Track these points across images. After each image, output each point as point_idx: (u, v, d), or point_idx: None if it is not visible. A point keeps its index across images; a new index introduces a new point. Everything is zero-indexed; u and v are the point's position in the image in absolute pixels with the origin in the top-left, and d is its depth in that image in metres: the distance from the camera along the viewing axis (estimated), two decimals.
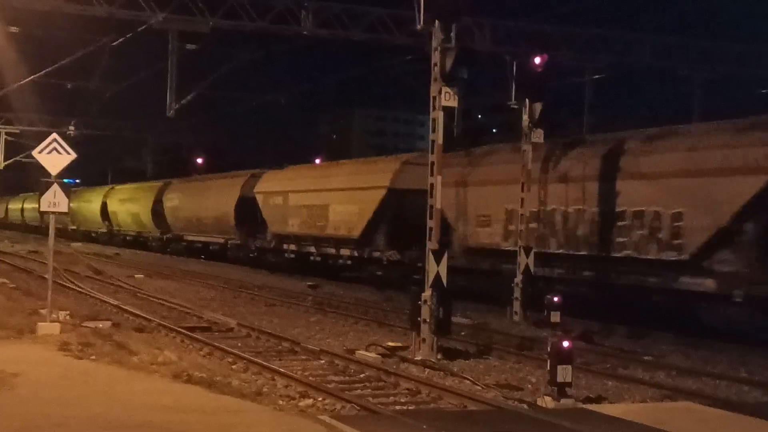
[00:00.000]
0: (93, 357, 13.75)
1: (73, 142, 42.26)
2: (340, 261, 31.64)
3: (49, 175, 16.69)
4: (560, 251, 22.14)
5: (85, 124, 61.21)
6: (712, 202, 17.84)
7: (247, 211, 38.46)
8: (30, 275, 31.03)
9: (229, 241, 40.71)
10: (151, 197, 51.46)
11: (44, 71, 37.99)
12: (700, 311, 18.77)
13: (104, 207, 59.23)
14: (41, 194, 16.66)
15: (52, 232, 17.26)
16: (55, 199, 16.57)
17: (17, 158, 67.73)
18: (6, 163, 67.87)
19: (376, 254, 29.15)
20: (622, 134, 21.65)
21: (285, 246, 35.14)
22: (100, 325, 17.87)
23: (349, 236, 30.33)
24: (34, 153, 16.98)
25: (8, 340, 15.21)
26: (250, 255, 38.45)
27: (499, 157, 25.32)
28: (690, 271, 18.38)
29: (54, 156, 16.70)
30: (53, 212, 16.82)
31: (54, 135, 17.08)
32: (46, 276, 17.94)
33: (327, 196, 32.20)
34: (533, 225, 22.37)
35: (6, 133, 64.33)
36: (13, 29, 30.60)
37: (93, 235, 60.72)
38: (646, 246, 19.31)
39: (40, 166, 17.09)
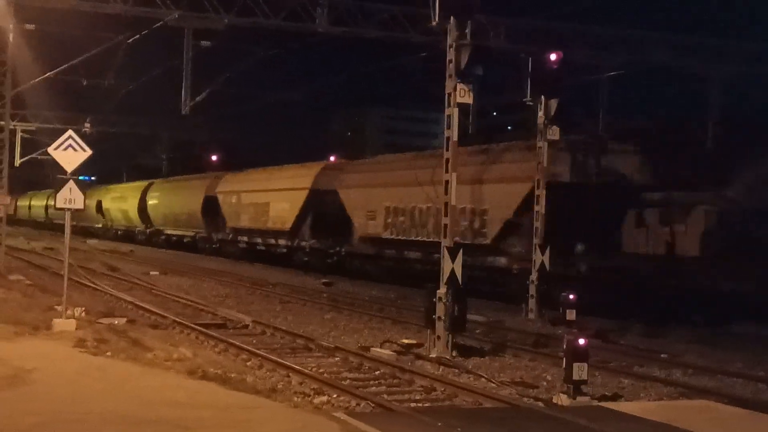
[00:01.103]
0: (108, 353, 13.81)
1: (88, 140, 42.44)
2: (278, 249, 37.76)
3: (64, 172, 16.75)
4: (418, 239, 27.88)
5: (100, 121, 61.45)
6: (503, 201, 24.33)
7: (212, 208, 44.67)
8: (46, 272, 31.17)
9: (198, 234, 47.14)
10: (137, 195, 57.67)
11: (60, 68, 38.16)
12: (500, 281, 24.82)
13: (99, 204, 64.24)
14: (56, 191, 16.73)
15: (68, 229, 17.31)
16: (71, 196, 16.63)
17: (33, 155, 68.11)
18: (22, 160, 68.20)
19: (303, 243, 35.40)
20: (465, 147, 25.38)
21: (239, 238, 41.47)
22: (116, 321, 17.94)
23: (283, 229, 36.78)
24: (50, 150, 17.03)
25: (24, 336, 15.28)
26: (213, 246, 44.82)
27: (381, 165, 32.57)
28: (492, 252, 24.86)
29: (70, 153, 16.75)
30: (69, 209, 16.87)
31: (69, 132, 17.14)
32: (61, 273, 18.01)
33: (268, 196, 38.50)
34: (402, 218, 28.60)
35: (21, 131, 64.61)
36: (29, 27, 30.73)
37: (91, 230, 65.40)
38: (467, 234, 25.06)
39: (55, 163, 17.16)
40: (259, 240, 39.52)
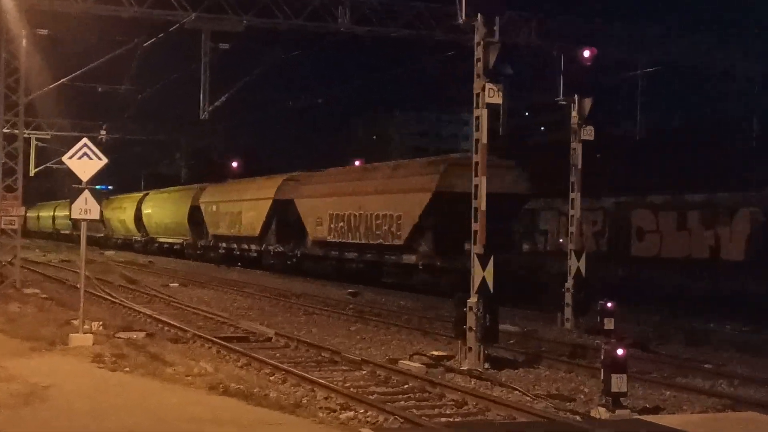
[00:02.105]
0: (127, 368, 13.89)
1: (104, 147, 42.82)
2: (249, 254, 43.86)
3: (80, 181, 16.86)
4: (354, 241, 33.66)
5: (116, 128, 61.94)
6: (412, 208, 30.15)
7: (197, 217, 50.47)
8: (62, 285, 31.42)
9: (185, 242, 52.68)
10: (134, 206, 62.45)
11: (74, 74, 38.48)
12: (414, 274, 30.98)
13: (101, 215, 65.54)
14: (72, 201, 16.82)
15: (83, 240, 17.43)
16: (86, 206, 16.72)
17: (48, 164, 68.65)
18: (37, 169, 68.75)
19: (270, 247, 41.28)
20: (380, 164, 36.25)
21: (219, 244, 47.53)
22: (134, 335, 18.04)
23: (253, 235, 42.66)
24: (65, 159, 17.12)
25: (40, 352, 15.40)
26: (198, 252, 50.51)
27: (327, 178, 38.79)
28: (405, 251, 30.66)
29: (85, 162, 16.85)
30: (85, 219, 16.97)
31: (84, 140, 17.23)
32: (78, 285, 18.13)
33: (240, 205, 44.48)
34: (341, 224, 34.33)
35: (36, 139, 65.12)
36: (42, 32, 30.98)
37: (93, 239, 69.41)
38: (387, 236, 31.37)
39: (70, 172, 17.27)
40: (234, 246, 45.54)
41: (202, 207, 49.53)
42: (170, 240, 55.79)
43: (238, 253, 45.22)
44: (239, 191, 45.75)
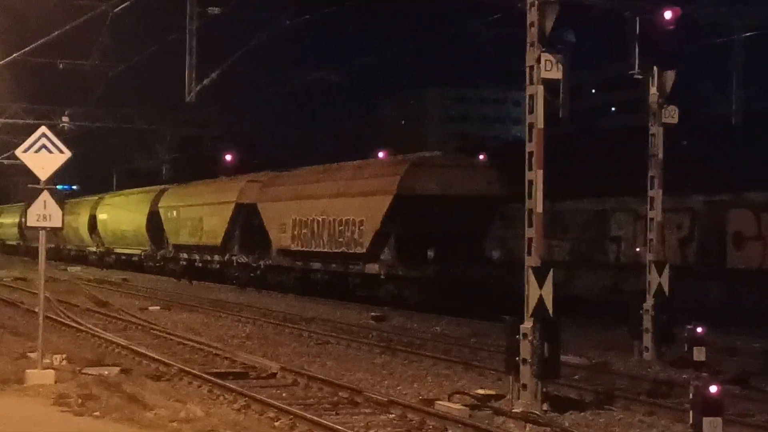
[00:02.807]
0: (97, 413, 13.95)
1: (67, 138, 43.10)
2: (212, 265, 46.64)
3: (37, 180, 16.95)
4: (318, 250, 36.63)
5: (82, 114, 62.27)
6: (374, 212, 32.70)
7: (156, 224, 52.87)
8: (16, 309, 31.62)
9: (143, 252, 55.53)
10: (87, 212, 64.35)
11: (29, 48, 38.72)
12: (376, 285, 33.79)
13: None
14: (28, 204, 16.91)
15: (42, 254, 17.51)
16: (45, 211, 16.79)
17: None
18: None
19: (233, 258, 44.12)
20: (344, 164, 38.66)
21: (180, 254, 50.22)
22: (106, 371, 18.12)
23: (215, 244, 45.56)
24: (18, 152, 17.25)
25: None
26: (157, 264, 53.13)
27: (290, 179, 41.58)
28: (368, 260, 33.47)
29: (43, 156, 16.95)
30: (44, 228, 17.06)
31: (43, 129, 17.33)
32: (36, 310, 18.25)
33: (201, 210, 47.14)
34: (305, 231, 37.42)
35: None
36: None
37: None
38: (350, 243, 34.22)
39: (26, 169, 17.38)
40: (196, 256, 48.39)
41: (161, 212, 52.02)
42: (127, 251, 58.43)
43: (200, 264, 48.01)
44: (201, 194, 48.41)
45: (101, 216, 62.42)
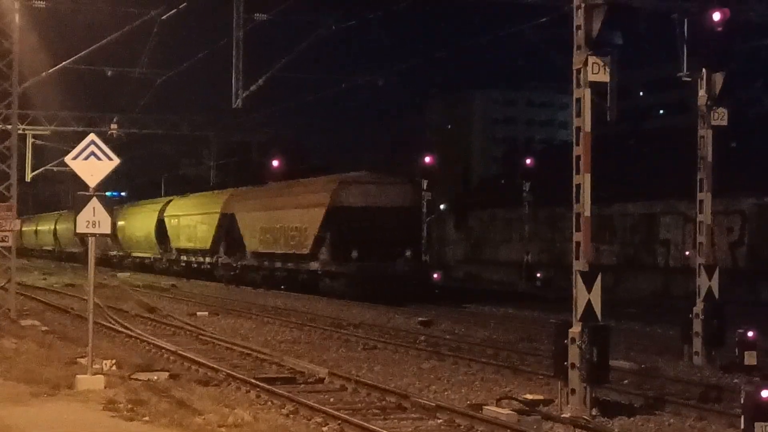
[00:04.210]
0: (146, 417, 14.04)
1: (115, 145, 43.40)
2: (203, 266, 55.59)
3: (86, 187, 17.08)
4: (277, 251, 45.79)
5: (130, 121, 62.68)
6: (313, 221, 41.82)
7: (163, 230, 61.51)
8: (66, 315, 31.92)
9: (153, 256, 63.99)
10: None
11: (78, 55, 39.05)
12: (316, 280, 42.69)
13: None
14: (77, 211, 17.02)
15: (92, 260, 17.64)
16: (94, 218, 16.90)
17: (47, 167, 69.73)
18: (34, 173, 69.84)
19: (219, 259, 53.17)
20: (296, 182, 49.28)
21: (181, 257, 59.25)
22: (155, 377, 18.24)
23: (205, 248, 54.63)
24: (67, 159, 17.38)
25: (41, 398, 15.65)
26: (164, 266, 61.89)
27: (258, 193, 51.77)
28: (311, 259, 42.56)
29: (92, 163, 17.08)
30: (93, 234, 17.19)
31: (92, 136, 17.47)
32: (86, 315, 18.40)
33: (196, 219, 56.18)
34: (268, 236, 46.63)
35: (33, 136, 66.08)
36: (39, 3, 31.43)
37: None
38: (298, 245, 43.35)
39: (75, 176, 17.50)
40: (192, 258, 57.34)
41: (166, 221, 60.81)
42: (141, 254, 66.95)
43: (195, 265, 56.84)
44: (195, 205, 57.87)
45: (120, 223, 66.68)
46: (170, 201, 63.03)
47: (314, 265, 42.05)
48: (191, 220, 56.75)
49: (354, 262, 39.43)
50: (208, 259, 54.58)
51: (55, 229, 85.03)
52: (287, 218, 44.32)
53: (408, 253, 39.72)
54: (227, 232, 51.86)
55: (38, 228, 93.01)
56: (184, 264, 58.65)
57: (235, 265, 50.51)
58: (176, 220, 59.40)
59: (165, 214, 61.01)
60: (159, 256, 62.68)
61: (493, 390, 17.94)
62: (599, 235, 42.27)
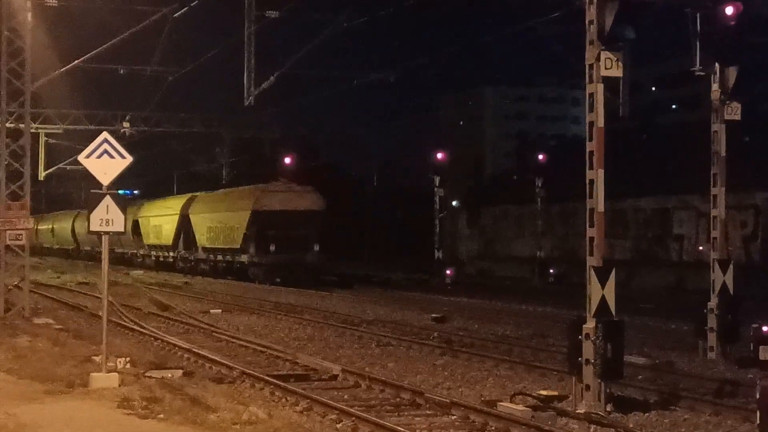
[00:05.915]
0: (161, 415, 14.07)
1: (128, 143, 43.44)
2: (167, 259, 64.34)
3: (99, 185, 17.13)
4: (218, 246, 55.04)
5: (142, 119, 62.83)
6: (241, 222, 51.95)
7: (137, 229, 68.67)
8: (80, 313, 31.98)
9: (129, 251, 72.30)
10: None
11: (90, 54, 39.11)
12: (246, 269, 51.68)
13: (72, 226, 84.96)
14: (90, 209, 17.07)
15: (105, 258, 17.68)
16: (108, 216, 16.95)
17: (60, 165, 69.93)
18: (47, 171, 70.05)
19: (179, 254, 62.16)
20: (231, 189, 60.77)
21: (151, 252, 67.72)
22: (169, 374, 18.27)
23: (168, 244, 63.90)
24: (81, 158, 17.43)
25: (55, 396, 15.69)
26: (137, 260, 69.79)
27: (206, 198, 61.29)
28: (241, 252, 52.21)
29: (105, 161, 17.12)
30: (106, 232, 17.23)
31: (104, 134, 17.52)
32: (99, 313, 18.44)
33: (162, 219, 65.08)
34: (212, 234, 56.25)
35: (45, 135, 66.30)
36: (51, 2, 31.48)
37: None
38: (229, 240, 53.23)
39: (87, 174, 17.55)
40: (160, 254, 65.91)
41: (140, 221, 67.72)
42: (121, 250, 72.44)
43: (162, 259, 65.39)
44: (161, 207, 66.46)
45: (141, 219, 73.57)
46: (143, 204, 70.63)
47: (244, 257, 51.70)
48: (158, 220, 65.77)
49: (272, 255, 49.52)
50: (171, 254, 63.77)
51: (73, 227, 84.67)
52: (224, 219, 54.38)
53: (316, 247, 49.85)
54: (185, 230, 61.15)
55: (54, 226, 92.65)
56: (153, 258, 67.05)
57: (190, 258, 60.13)
58: (147, 221, 67.42)
59: (139, 216, 67.65)
60: (135, 251, 70.36)
61: (507, 386, 17.93)
62: (612, 230, 42.19)
